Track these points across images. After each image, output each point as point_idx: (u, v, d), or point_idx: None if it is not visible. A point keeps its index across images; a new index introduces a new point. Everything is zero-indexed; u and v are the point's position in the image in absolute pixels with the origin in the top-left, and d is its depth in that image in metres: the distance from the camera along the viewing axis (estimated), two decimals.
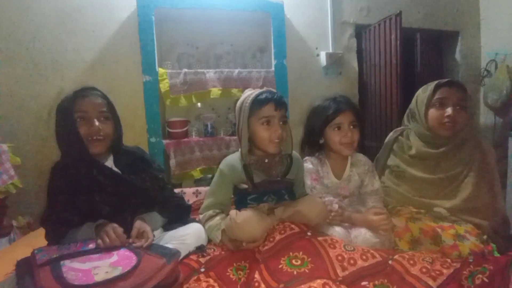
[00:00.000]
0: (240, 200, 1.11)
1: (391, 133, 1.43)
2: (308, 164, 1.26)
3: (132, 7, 2.14)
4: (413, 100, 1.35)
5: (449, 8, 2.93)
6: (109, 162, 1.10)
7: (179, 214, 1.18)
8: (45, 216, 1.03)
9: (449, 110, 1.20)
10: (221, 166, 1.15)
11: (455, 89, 1.22)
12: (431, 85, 1.27)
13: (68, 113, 1.01)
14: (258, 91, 1.10)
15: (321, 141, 1.24)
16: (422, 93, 1.30)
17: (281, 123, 1.09)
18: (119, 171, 1.08)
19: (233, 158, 1.15)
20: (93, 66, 2.17)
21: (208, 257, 0.96)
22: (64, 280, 0.75)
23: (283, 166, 1.14)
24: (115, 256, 0.86)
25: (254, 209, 1.04)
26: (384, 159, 1.39)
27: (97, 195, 1.02)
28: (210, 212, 1.12)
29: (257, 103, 1.07)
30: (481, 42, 3.03)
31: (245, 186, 1.09)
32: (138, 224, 1.00)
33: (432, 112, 1.24)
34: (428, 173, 1.24)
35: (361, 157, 1.29)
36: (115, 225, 0.95)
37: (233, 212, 1.01)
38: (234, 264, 0.95)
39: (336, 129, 1.19)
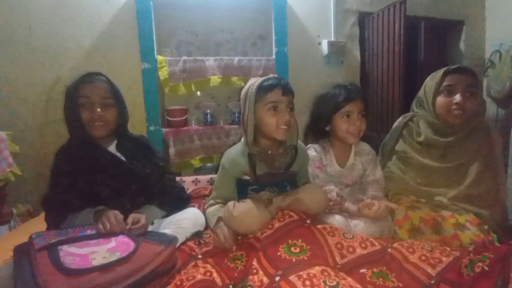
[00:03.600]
0: (241, 190, 1.11)
1: (400, 118, 1.41)
2: (312, 151, 1.25)
3: None
4: (422, 88, 1.32)
5: None
6: (112, 147, 1.11)
7: (178, 207, 1.17)
8: (46, 198, 1.05)
9: (457, 97, 1.17)
10: (223, 160, 1.13)
11: (464, 75, 1.19)
12: (439, 72, 1.24)
13: (72, 97, 1.04)
14: (264, 77, 1.06)
15: (327, 128, 1.23)
16: (431, 81, 1.27)
17: (288, 110, 1.05)
18: (121, 157, 1.09)
19: (235, 151, 1.12)
20: (90, 53, 2.13)
21: (204, 250, 0.96)
22: (61, 265, 0.75)
23: (287, 158, 1.11)
24: (113, 242, 0.86)
25: (252, 200, 1.02)
26: (392, 144, 1.38)
27: (98, 176, 1.03)
28: (212, 201, 1.13)
29: (264, 88, 1.03)
30: (485, 32, 2.98)
31: (247, 177, 1.08)
32: (133, 213, 1.00)
33: (440, 99, 1.22)
34: (435, 161, 1.23)
35: (365, 146, 1.28)
36: (117, 211, 0.96)
37: (230, 203, 1.00)
38: (230, 255, 0.95)
39: (345, 117, 1.17)
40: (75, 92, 1.04)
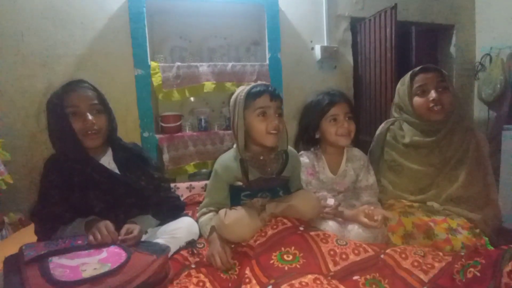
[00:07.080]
0: (234, 196, 1.10)
1: (382, 124, 1.43)
2: (305, 158, 1.25)
3: None
4: (396, 95, 1.36)
5: (444, 1, 2.92)
6: (106, 158, 1.07)
7: (173, 215, 1.15)
8: (35, 211, 1.01)
9: (432, 94, 1.19)
10: (216, 165, 1.13)
11: (431, 73, 1.22)
12: (406, 76, 1.28)
13: (59, 109, 0.97)
14: (252, 84, 1.09)
15: (317, 136, 1.23)
16: (401, 86, 1.31)
17: (276, 115, 1.07)
18: (115, 169, 1.06)
19: (227, 157, 1.13)
20: (83, 59, 2.12)
21: (197, 259, 0.95)
22: (51, 277, 0.73)
23: (279, 163, 1.11)
24: (104, 253, 0.84)
25: (245, 207, 1.02)
26: (379, 151, 1.38)
27: (91, 192, 0.99)
28: (204, 209, 1.12)
29: (252, 95, 1.05)
30: (476, 36, 3.03)
31: (239, 183, 1.08)
32: (127, 224, 0.98)
33: (416, 100, 1.25)
34: (423, 163, 1.24)
35: (357, 152, 1.28)
36: (108, 222, 0.93)
37: (222, 211, 1.00)
38: None
39: (332, 121, 1.19)
40: (61, 103, 0.97)
